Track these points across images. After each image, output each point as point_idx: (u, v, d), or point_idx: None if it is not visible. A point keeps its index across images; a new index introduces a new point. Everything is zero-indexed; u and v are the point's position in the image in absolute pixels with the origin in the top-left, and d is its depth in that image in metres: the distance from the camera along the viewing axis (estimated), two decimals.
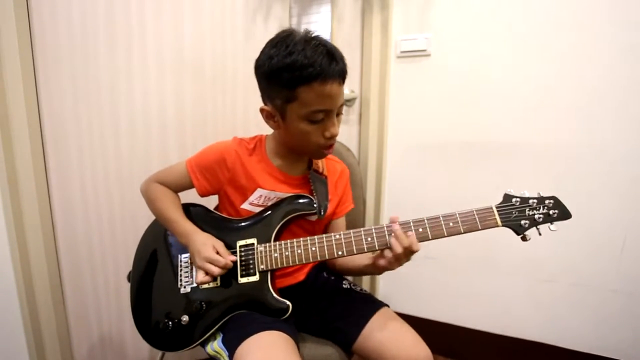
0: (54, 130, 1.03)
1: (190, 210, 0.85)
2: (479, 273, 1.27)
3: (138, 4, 1.06)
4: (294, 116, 0.74)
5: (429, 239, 0.71)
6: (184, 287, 0.78)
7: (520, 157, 1.16)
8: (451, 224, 0.70)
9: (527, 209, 0.69)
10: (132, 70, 1.08)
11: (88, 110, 1.06)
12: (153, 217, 1.15)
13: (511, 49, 1.13)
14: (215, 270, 0.73)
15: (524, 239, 0.69)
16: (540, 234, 0.69)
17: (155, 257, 0.85)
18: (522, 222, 0.68)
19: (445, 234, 0.70)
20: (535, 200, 0.69)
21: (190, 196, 0.86)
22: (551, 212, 0.68)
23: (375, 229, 0.73)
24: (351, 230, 0.73)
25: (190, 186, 0.85)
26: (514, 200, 0.70)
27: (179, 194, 0.88)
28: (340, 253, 0.72)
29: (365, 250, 0.72)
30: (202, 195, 0.85)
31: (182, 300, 0.77)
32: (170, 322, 0.76)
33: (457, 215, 0.70)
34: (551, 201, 0.69)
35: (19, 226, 0.99)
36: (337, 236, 0.73)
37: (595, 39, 1.04)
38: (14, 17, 0.92)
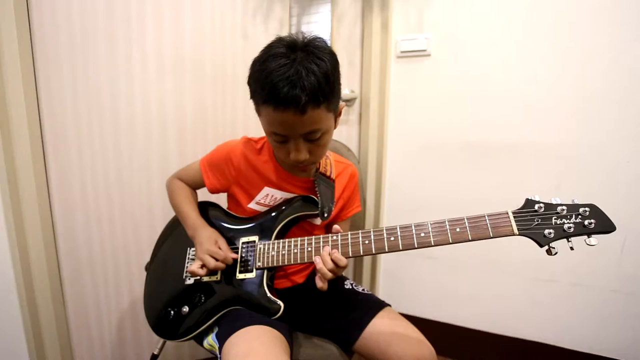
0: (54, 131, 1.03)
1: (204, 208, 0.89)
2: (479, 273, 1.27)
3: (138, 4, 1.06)
4: (263, 127, 0.74)
5: (432, 245, 0.64)
6: (188, 279, 0.81)
7: (520, 157, 1.16)
8: (458, 230, 0.63)
9: (554, 217, 0.60)
10: (132, 70, 1.08)
11: (88, 110, 1.06)
12: (152, 216, 1.16)
13: (511, 49, 1.13)
14: (211, 262, 0.74)
15: (549, 252, 0.60)
16: (572, 249, 0.59)
17: (168, 249, 0.89)
18: (546, 231, 0.59)
19: (450, 241, 0.63)
20: (564, 208, 0.59)
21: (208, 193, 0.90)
22: (587, 222, 0.58)
23: (373, 231, 0.69)
24: (349, 232, 0.71)
25: (204, 183, 0.88)
26: (536, 206, 0.61)
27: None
28: (335, 251, 0.70)
29: (361, 253, 0.68)
30: (212, 192, 0.88)
31: (185, 291, 0.80)
32: (172, 311, 0.79)
33: (466, 220, 0.63)
34: (587, 209, 0.58)
35: (19, 226, 0.99)
36: (334, 237, 0.71)
37: (595, 38, 1.04)
38: (14, 17, 0.92)
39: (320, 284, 0.70)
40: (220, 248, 0.77)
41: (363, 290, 0.89)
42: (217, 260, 0.75)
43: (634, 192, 1.06)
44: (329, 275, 0.69)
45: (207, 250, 0.76)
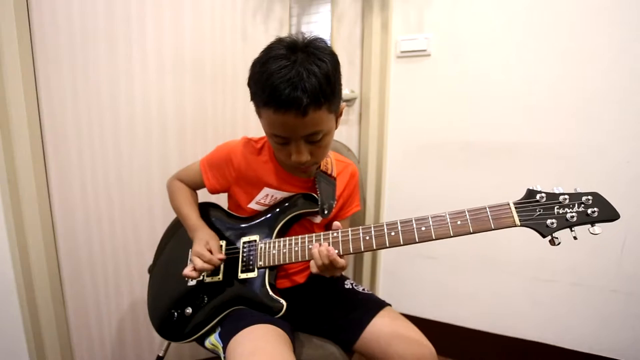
0: (54, 131, 1.03)
1: (205, 209, 0.89)
2: (479, 273, 1.27)
3: (138, 4, 1.06)
4: (264, 129, 0.74)
5: (433, 239, 0.64)
6: (191, 280, 0.81)
7: (520, 157, 1.16)
8: (459, 222, 0.62)
9: (556, 207, 0.59)
10: (132, 70, 1.08)
11: (88, 111, 1.06)
12: (152, 216, 1.16)
13: (511, 49, 1.13)
14: (198, 263, 0.74)
15: (552, 242, 0.59)
16: (576, 238, 0.58)
17: (170, 251, 0.90)
18: (549, 221, 0.58)
19: (452, 234, 0.62)
20: (567, 197, 0.59)
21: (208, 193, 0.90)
22: (590, 210, 0.57)
23: (374, 227, 0.68)
24: (349, 229, 0.71)
25: (204, 184, 0.87)
26: (538, 196, 0.60)
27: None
28: (336, 251, 0.70)
29: (362, 249, 0.68)
30: (211, 192, 0.88)
31: (188, 293, 0.80)
32: (176, 313, 0.79)
33: (466, 212, 0.62)
34: (590, 198, 0.58)
35: (19, 227, 0.99)
36: (335, 234, 0.71)
37: (595, 38, 1.04)
38: (14, 17, 0.92)
39: (314, 270, 0.71)
40: (210, 250, 0.76)
41: (363, 290, 0.89)
42: (203, 261, 0.75)
43: (633, 192, 1.06)
44: (317, 269, 0.70)
45: (195, 252, 0.76)
